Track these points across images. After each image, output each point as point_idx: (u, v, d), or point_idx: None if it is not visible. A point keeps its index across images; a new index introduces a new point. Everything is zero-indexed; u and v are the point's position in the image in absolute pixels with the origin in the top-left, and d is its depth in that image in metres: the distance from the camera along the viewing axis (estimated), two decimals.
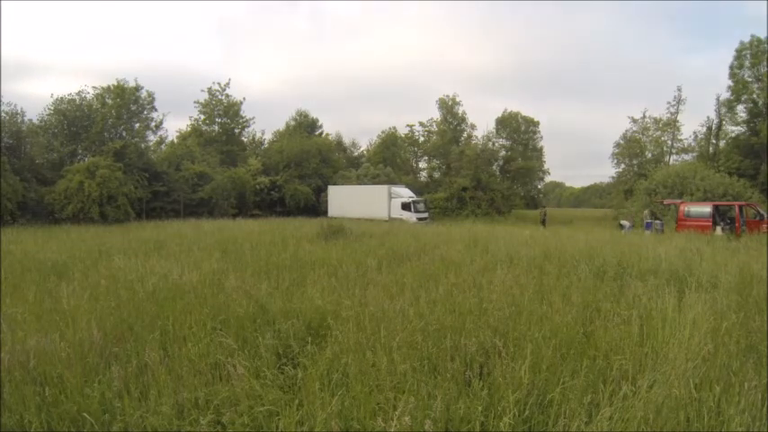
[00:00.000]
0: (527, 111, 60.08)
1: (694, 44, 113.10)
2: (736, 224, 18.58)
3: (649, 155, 43.11)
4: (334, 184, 40.67)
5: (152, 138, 35.76)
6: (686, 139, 41.41)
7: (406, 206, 31.89)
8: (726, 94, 35.10)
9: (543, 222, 30.26)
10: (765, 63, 32.35)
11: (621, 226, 24.05)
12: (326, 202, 36.49)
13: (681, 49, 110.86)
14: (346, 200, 34.48)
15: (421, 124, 53.40)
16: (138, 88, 33.16)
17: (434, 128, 52.50)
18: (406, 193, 33.75)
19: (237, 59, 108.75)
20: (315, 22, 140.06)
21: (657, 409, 2.79)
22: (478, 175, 42.42)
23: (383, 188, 33.59)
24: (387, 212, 31.94)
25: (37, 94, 67.34)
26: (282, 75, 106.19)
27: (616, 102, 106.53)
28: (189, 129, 43.79)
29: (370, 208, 32.42)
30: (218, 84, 42.99)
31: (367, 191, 34.93)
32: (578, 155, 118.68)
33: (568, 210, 67.63)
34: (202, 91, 43.12)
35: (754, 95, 33.10)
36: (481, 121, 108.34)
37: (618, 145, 44.96)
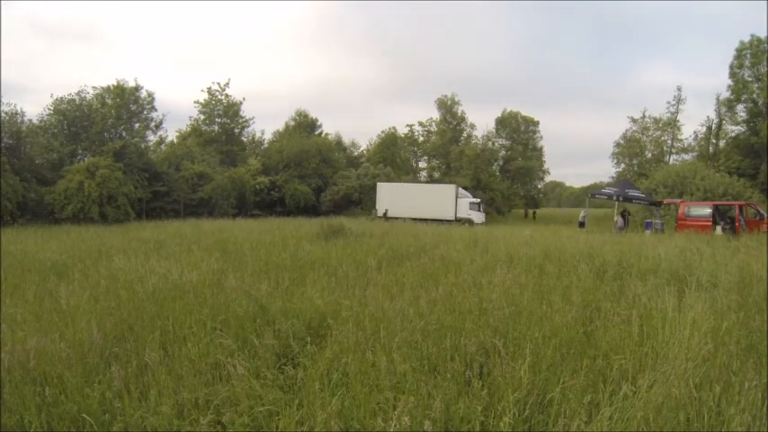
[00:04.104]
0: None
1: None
2: (737, 224, 18.59)
3: (649, 154, 43.20)
4: (336, 184, 40.48)
5: (152, 138, 35.91)
6: (686, 138, 41.54)
7: (474, 206, 30.09)
8: (726, 94, 35.17)
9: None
10: (765, 63, 32.38)
11: (647, 225, 22.41)
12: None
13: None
14: (401, 199, 31.87)
15: (421, 124, 53.50)
16: (137, 88, 33.23)
17: (434, 128, 52.56)
18: (465, 194, 32.09)
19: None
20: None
21: (657, 409, 2.78)
22: (478, 174, 42.55)
23: (450, 187, 31.72)
24: (454, 213, 29.96)
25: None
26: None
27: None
28: (189, 129, 43.83)
29: (433, 208, 30.09)
30: (218, 84, 43.08)
31: (430, 189, 32.97)
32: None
33: (569, 209, 67.61)
34: (202, 91, 43.19)
35: (754, 95, 33.13)
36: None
37: (618, 145, 45.09)
